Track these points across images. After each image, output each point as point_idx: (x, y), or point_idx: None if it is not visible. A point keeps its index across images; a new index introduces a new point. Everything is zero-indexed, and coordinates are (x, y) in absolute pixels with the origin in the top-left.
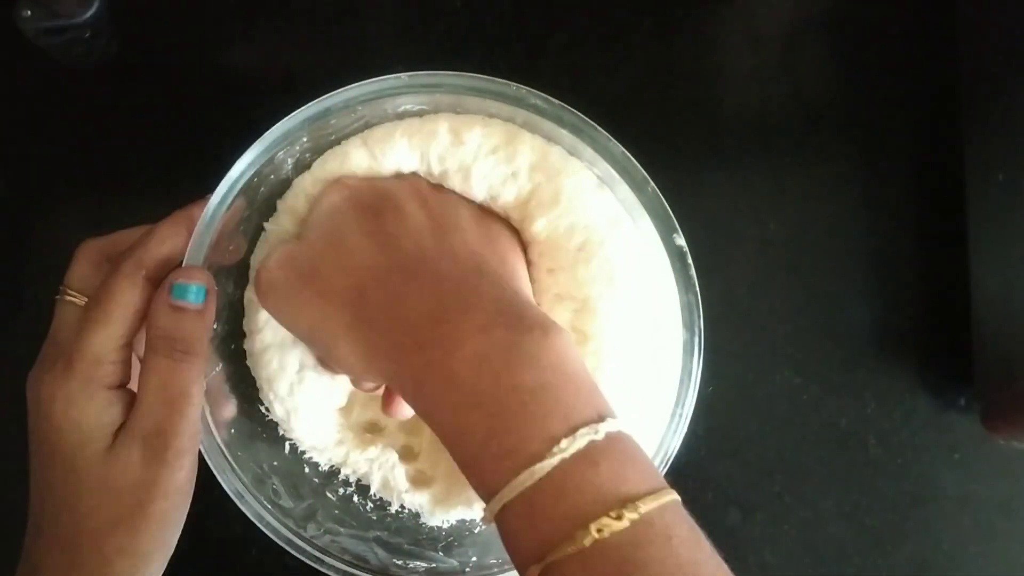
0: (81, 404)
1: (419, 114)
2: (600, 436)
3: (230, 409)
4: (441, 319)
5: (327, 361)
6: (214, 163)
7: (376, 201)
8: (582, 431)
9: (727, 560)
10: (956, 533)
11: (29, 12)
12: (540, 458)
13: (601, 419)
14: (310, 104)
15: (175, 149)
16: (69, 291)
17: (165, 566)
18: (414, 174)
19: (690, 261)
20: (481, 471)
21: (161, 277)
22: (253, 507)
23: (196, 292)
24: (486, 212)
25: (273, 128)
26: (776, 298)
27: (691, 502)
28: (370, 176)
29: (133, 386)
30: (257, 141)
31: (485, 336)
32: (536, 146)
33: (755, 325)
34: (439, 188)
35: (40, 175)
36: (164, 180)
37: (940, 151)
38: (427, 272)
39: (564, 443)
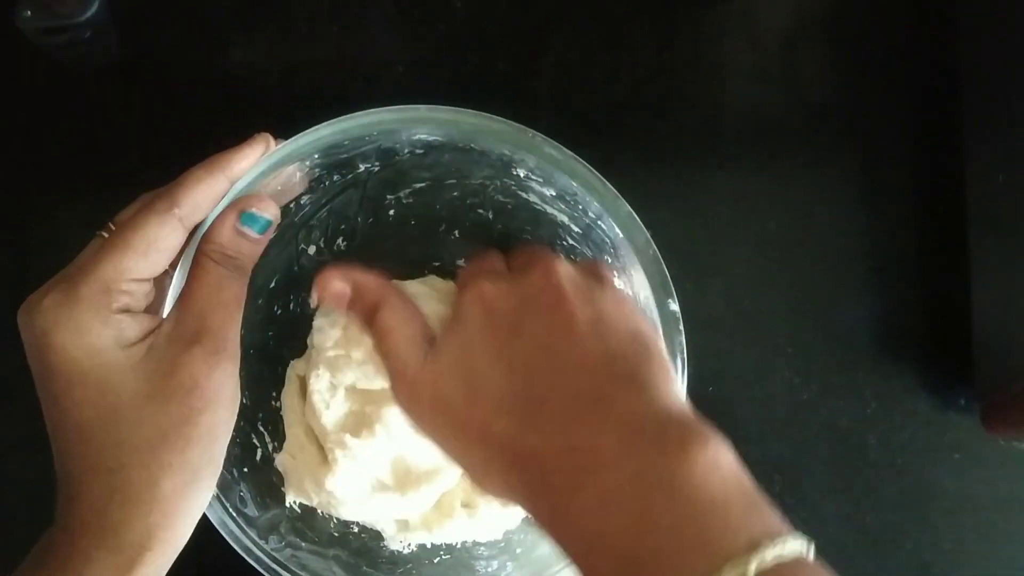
0: (95, 330)
1: (432, 145)
2: (752, 569)
3: None
4: (567, 452)
5: None
6: None
7: (515, 310)
8: (728, 569)
9: None
10: (956, 533)
11: (29, 12)
12: None
13: (754, 548)
14: (326, 125)
15: (175, 149)
16: (111, 225)
17: (214, 488)
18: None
19: (682, 327)
20: None
21: (193, 220)
22: (217, 512)
23: (263, 224)
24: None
25: (285, 143)
26: (776, 298)
27: None
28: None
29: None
30: (267, 155)
31: (613, 471)
32: None
33: (755, 325)
34: (583, 269)
35: (40, 175)
36: (164, 180)
37: (940, 151)
38: (556, 394)
39: None
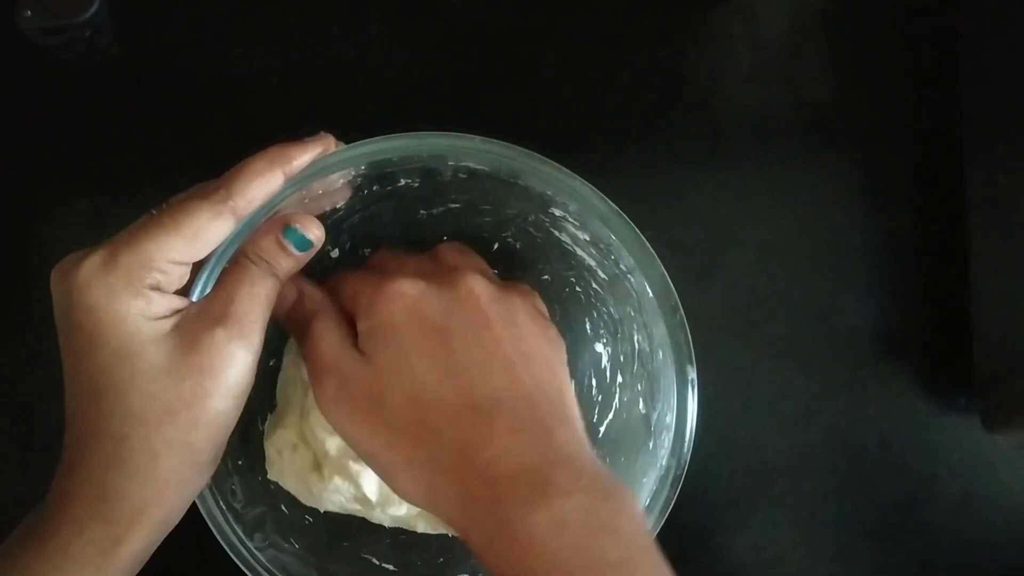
0: (124, 299)
1: (476, 172)
2: None
3: None
4: (520, 474)
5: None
6: (215, 163)
7: (441, 318)
8: None
9: (727, 560)
10: (956, 533)
11: (29, 12)
12: None
13: None
14: (382, 139)
15: (175, 149)
16: (164, 205)
17: (211, 473)
18: (473, 269)
19: (696, 393)
20: None
21: (245, 212)
22: (207, 504)
23: (303, 243)
24: (539, 313)
25: (341, 150)
26: (776, 298)
27: (691, 503)
28: (426, 276)
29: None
30: (318, 160)
31: (568, 500)
32: None
33: (755, 325)
34: (501, 291)
35: (40, 175)
36: (164, 180)
37: (940, 152)
38: (503, 417)
39: None
